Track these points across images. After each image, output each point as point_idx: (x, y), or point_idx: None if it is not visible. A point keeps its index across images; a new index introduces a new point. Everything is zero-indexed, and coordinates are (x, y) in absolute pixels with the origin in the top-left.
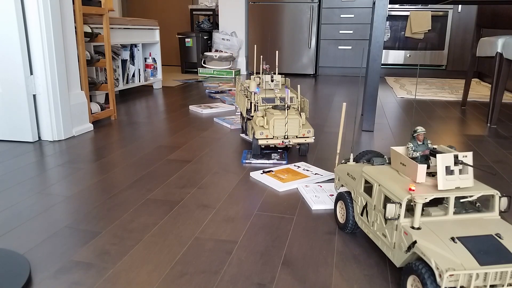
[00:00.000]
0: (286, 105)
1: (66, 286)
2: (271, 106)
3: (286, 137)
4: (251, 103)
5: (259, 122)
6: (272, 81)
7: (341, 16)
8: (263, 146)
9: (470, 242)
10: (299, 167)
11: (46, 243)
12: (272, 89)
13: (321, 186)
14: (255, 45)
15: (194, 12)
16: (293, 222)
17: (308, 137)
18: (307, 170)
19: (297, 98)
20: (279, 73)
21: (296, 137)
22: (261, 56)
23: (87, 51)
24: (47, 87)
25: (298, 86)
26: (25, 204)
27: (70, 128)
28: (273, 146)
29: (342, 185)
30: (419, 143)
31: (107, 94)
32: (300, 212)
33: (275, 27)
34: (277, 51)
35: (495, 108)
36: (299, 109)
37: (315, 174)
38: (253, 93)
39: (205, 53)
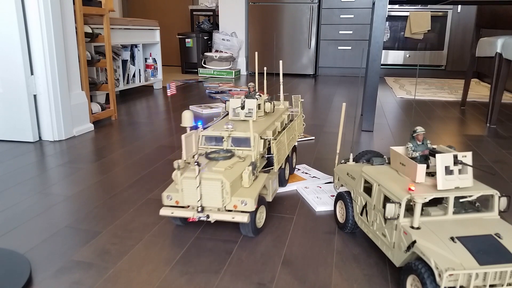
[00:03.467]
0: (195, 157)
1: (67, 285)
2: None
3: (201, 209)
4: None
5: (174, 177)
6: (242, 108)
7: (341, 16)
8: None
9: (469, 242)
10: (298, 169)
11: (46, 243)
12: (246, 120)
13: (320, 187)
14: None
15: (194, 13)
16: (293, 222)
17: (240, 211)
18: (305, 173)
19: (256, 139)
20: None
21: (225, 208)
22: (280, 61)
23: (88, 51)
24: (48, 87)
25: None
26: (25, 204)
27: (70, 128)
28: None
29: (342, 185)
30: (418, 143)
31: (107, 94)
32: (300, 212)
33: (275, 28)
34: (280, 61)
35: (494, 108)
36: (257, 163)
37: (313, 177)
38: (187, 128)
39: (205, 54)
